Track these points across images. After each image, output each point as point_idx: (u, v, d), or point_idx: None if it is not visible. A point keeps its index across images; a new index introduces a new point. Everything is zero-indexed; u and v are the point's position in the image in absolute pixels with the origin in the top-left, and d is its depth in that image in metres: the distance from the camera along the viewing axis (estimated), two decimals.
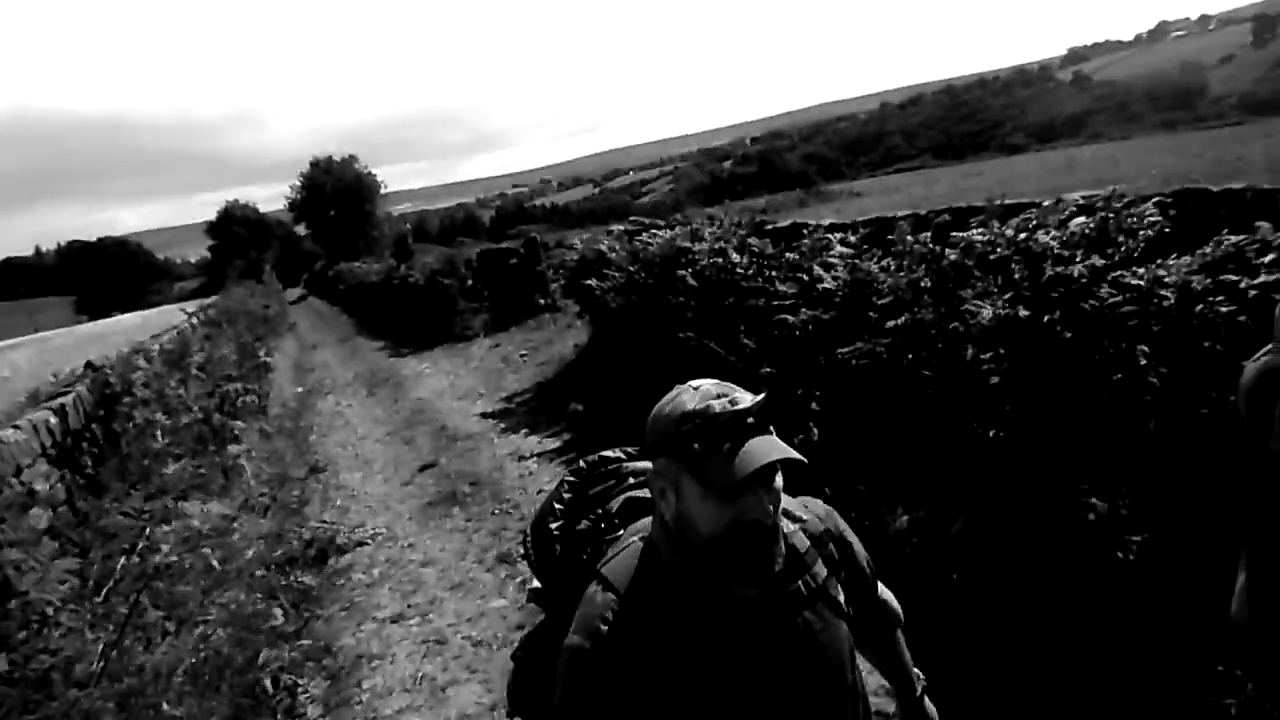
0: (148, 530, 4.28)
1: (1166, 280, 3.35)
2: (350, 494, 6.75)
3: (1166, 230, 3.53)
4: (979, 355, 3.76)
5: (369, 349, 16.18)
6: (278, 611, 4.49)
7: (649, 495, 1.34)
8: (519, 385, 9.64)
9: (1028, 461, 3.36)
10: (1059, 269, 3.53)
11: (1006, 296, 3.63)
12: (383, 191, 48.75)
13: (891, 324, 4.24)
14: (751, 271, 5.67)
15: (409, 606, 4.63)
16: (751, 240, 5.86)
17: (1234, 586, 1.67)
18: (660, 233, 7.12)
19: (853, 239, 5.22)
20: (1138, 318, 3.32)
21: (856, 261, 4.83)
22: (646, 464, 1.45)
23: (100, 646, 3.24)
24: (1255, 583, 1.42)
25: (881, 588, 1.54)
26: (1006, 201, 4.66)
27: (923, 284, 4.27)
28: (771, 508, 1.19)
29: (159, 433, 5.02)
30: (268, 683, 3.73)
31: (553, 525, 1.47)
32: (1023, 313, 3.49)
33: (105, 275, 77.38)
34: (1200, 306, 3.23)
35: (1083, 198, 3.91)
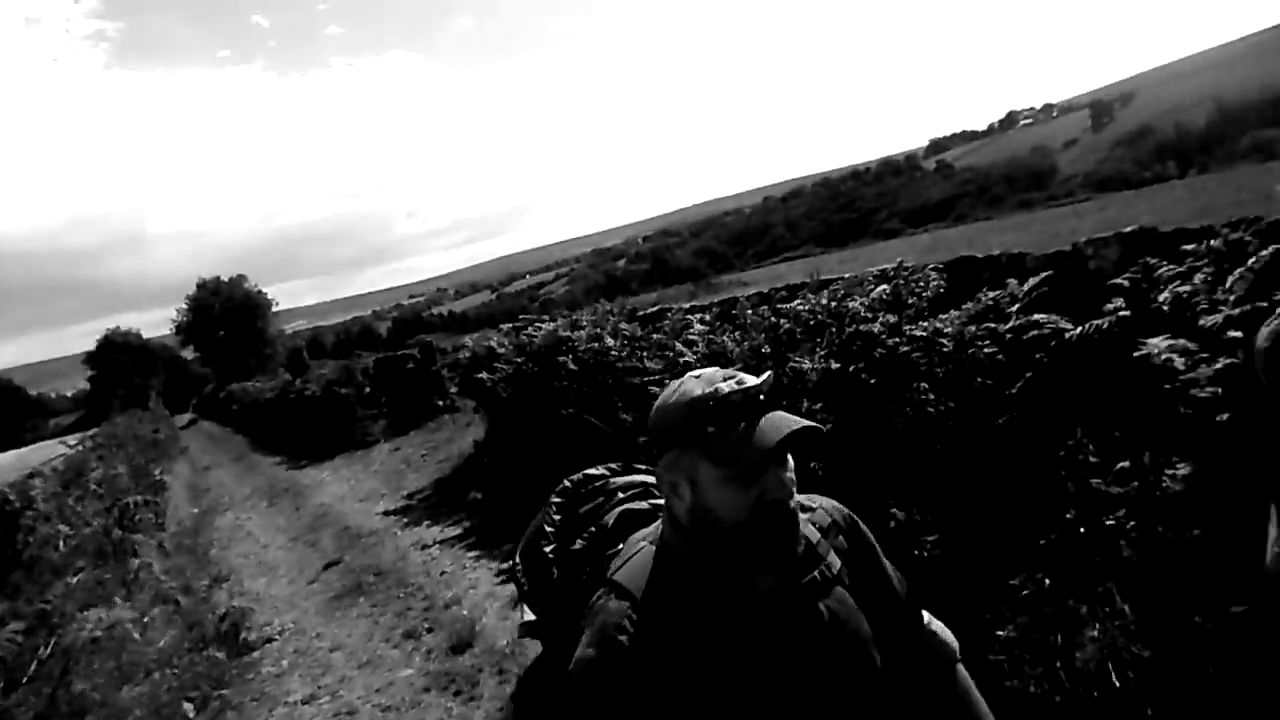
0: (54, 636, 4.43)
1: (945, 330, 4.11)
2: (255, 598, 6.87)
3: (942, 290, 4.33)
4: (811, 405, 4.45)
5: (266, 464, 16.01)
6: (188, 706, 4.67)
7: (645, 507, 1.38)
8: (420, 483, 9.90)
9: (847, 485, 4.01)
10: (862, 327, 4.27)
11: (822, 353, 4.34)
12: (274, 309, 48.27)
13: None
14: (625, 353, 6.29)
15: (319, 688, 4.86)
16: (623, 325, 6.52)
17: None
18: (544, 325, 7.72)
19: (708, 317, 5.93)
20: (924, 362, 4.06)
21: (711, 336, 5.53)
22: (634, 478, 1.50)
23: None
24: None
25: (928, 617, 1.45)
26: (822, 277, 5.46)
27: (763, 349, 4.97)
28: (792, 486, 1.19)
29: (61, 543, 5.16)
30: None
31: (546, 548, 1.43)
32: (834, 365, 4.20)
33: None
34: (970, 349, 4.00)
35: (879, 270, 4.72)
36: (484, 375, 8.17)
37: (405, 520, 8.26)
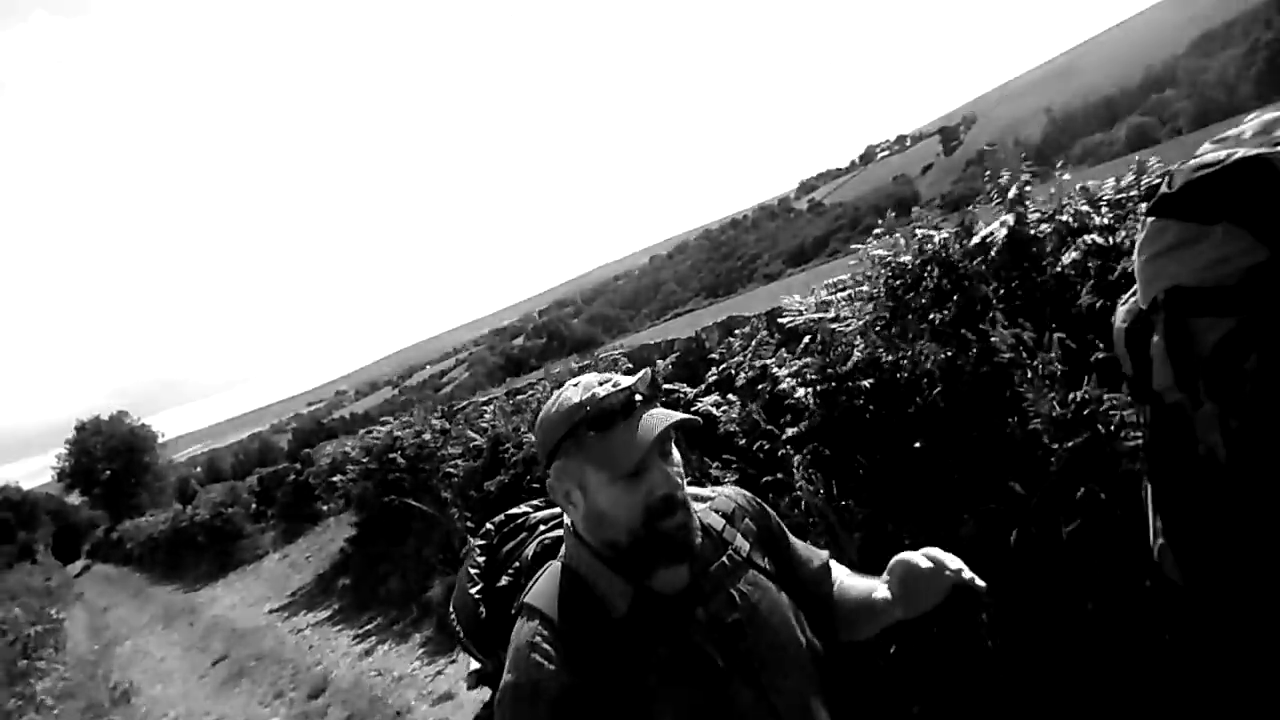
0: None
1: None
2: (153, 699, 7.99)
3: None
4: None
5: (163, 593, 16.63)
6: None
7: (562, 534, 1.33)
8: (303, 581, 11.07)
9: None
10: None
11: None
12: (161, 440, 47.49)
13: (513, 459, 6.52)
14: (439, 444, 7.84)
15: None
16: (433, 420, 8.08)
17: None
18: (382, 429, 9.20)
19: (498, 403, 7.55)
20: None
21: (495, 422, 7.13)
22: (555, 510, 1.50)
23: None
24: (1169, 529, 1.31)
25: (794, 540, 1.47)
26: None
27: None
28: (678, 479, 1.19)
29: None
30: None
31: (472, 589, 1.44)
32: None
33: None
34: None
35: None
36: (338, 477, 9.55)
37: (286, 614, 9.47)
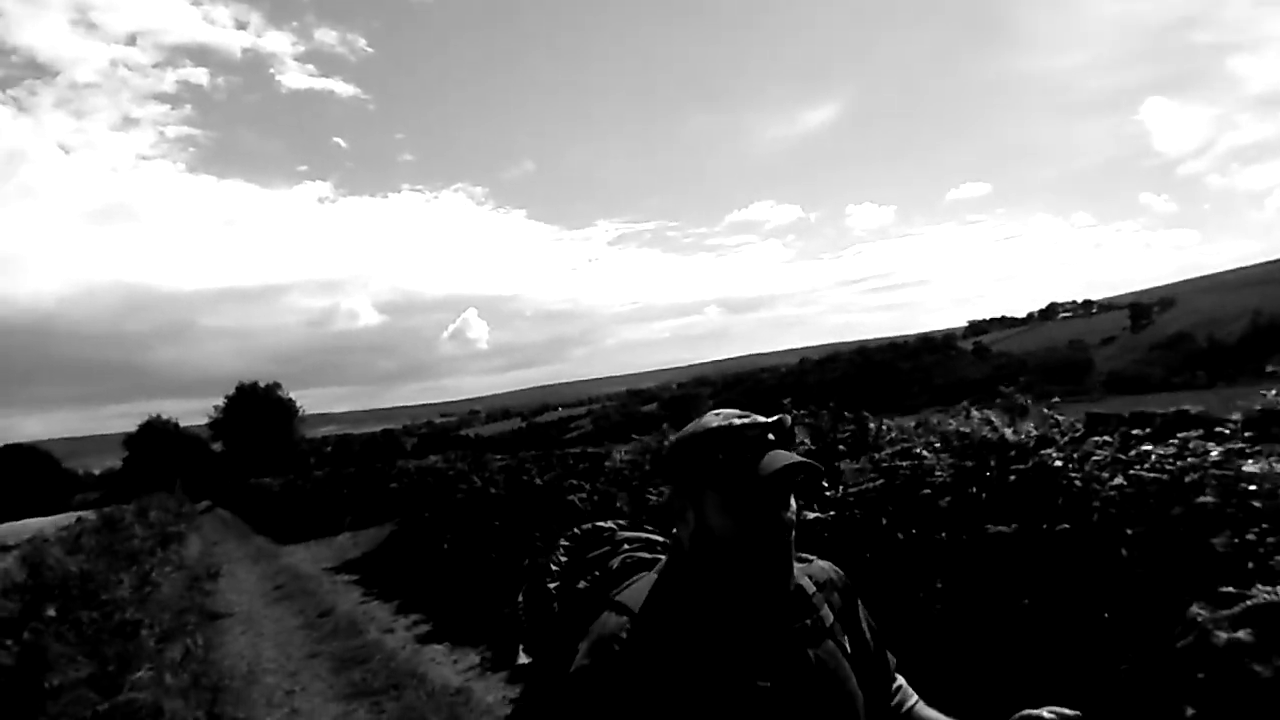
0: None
1: None
2: (228, 601, 11.64)
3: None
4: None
5: (261, 542, 20.82)
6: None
7: (649, 557, 1.45)
8: (355, 554, 14.67)
9: None
10: None
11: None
12: (304, 414, 53.91)
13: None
14: (453, 474, 11.19)
15: (260, 634, 9.58)
16: (459, 464, 11.47)
17: None
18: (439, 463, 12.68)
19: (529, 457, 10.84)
20: None
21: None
22: (639, 534, 1.58)
23: None
24: None
25: (899, 679, 1.53)
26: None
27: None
28: (790, 520, 1.28)
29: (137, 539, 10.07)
30: None
31: (550, 584, 1.48)
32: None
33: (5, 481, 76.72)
34: None
35: None
36: (394, 484, 13.15)
37: (334, 572, 13.04)
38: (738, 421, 1.28)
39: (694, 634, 1.22)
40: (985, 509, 3.63)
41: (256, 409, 49.37)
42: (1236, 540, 2.82)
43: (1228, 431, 3.28)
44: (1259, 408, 3.41)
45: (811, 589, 1.38)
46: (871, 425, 5.04)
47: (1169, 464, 3.18)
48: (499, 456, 13.19)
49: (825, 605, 1.37)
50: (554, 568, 1.51)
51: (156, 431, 69.24)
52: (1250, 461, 3.02)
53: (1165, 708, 2.58)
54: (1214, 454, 3.12)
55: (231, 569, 15.29)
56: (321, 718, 6.08)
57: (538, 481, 8.79)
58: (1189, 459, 3.14)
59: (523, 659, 1.47)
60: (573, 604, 1.43)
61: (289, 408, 51.03)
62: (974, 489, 3.77)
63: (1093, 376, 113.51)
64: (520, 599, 1.52)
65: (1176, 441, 3.32)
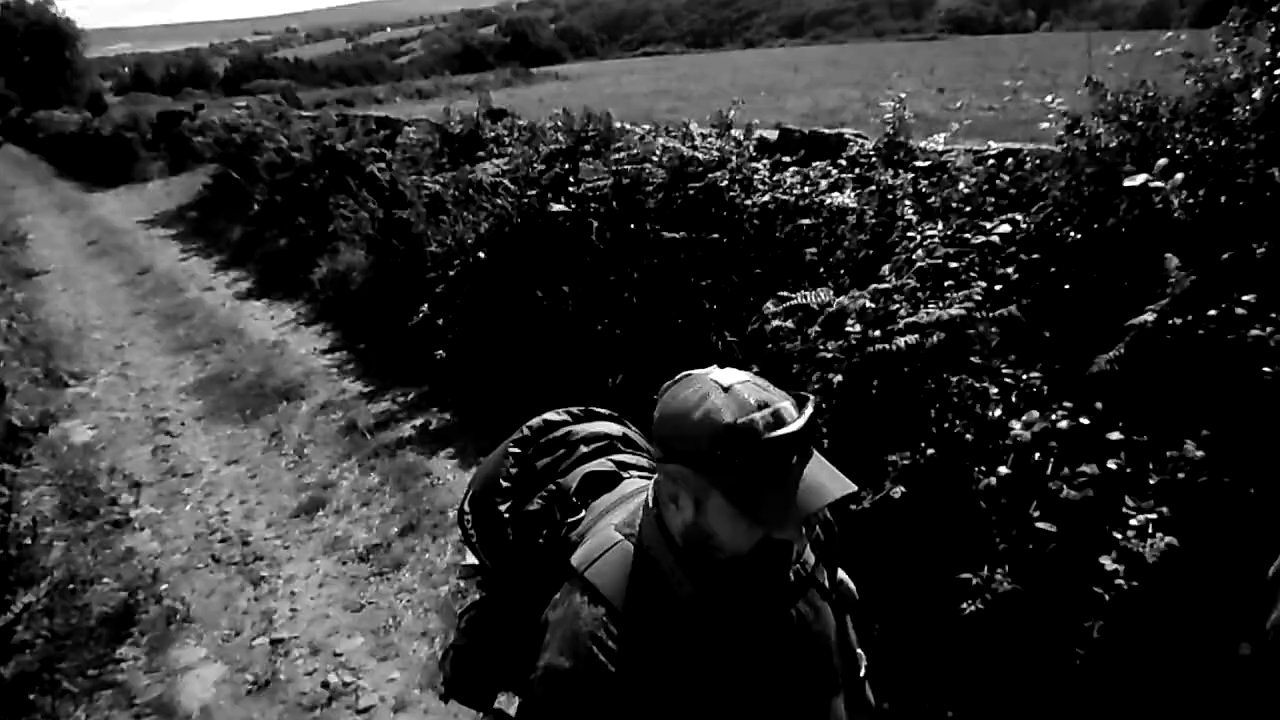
0: None
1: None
2: (42, 258, 11.76)
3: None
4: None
5: (64, 188, 19.89)
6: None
7: (608, 469, 1.33)
8: (169, 206, 14.62)
9: None
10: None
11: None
12: (86, 36, 47.45)
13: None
14: (270, 135, 11.22)
15: (81, 292, 9.98)
16: (267, 122, 11.41)
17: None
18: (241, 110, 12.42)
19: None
20: None
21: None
22: (596, 428, 1.43)
23: None
24: None
25: (839, 571, 1.41)
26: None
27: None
28: (804, 529, 1.17)
29: None
30: None
31: (500, 505, 1.34)
32: None
33: None
34: None
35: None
36: (199, 138, 12.92)
37: (147, 226, 13.16)
38: (758, 424, 1.01)
39: (683, 637, 1.10)
40: (673, 217, 4.69)
41: (28, 31, 42.79)
42: (817, 254, 4.00)
43: (844, 163, 4.37)
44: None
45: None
46: (616, 125, 5.81)
47: (796, 189, 4.26)
48: (308, 114, 13.06)
49: (807, 546, 1.24)
50: (504, 483, 1.36)
51: None
52: (844, 193, 4.12)
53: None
54: (823, 184, 4.20)
55: (38, 220, 14.94)
56: (152, 370, 6.97)
57: (339, 148, 9.15)
58: (807, 187, 4.21)
59: (470, 559, 1.44)
60: (525, 528, 1.32)
61: (67, 31, 44.44)
62: (675, 197, 4.79)
63: (933, 12, 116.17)
64: (465, 509, 1.41)
65: (814, 170, 4.39)
